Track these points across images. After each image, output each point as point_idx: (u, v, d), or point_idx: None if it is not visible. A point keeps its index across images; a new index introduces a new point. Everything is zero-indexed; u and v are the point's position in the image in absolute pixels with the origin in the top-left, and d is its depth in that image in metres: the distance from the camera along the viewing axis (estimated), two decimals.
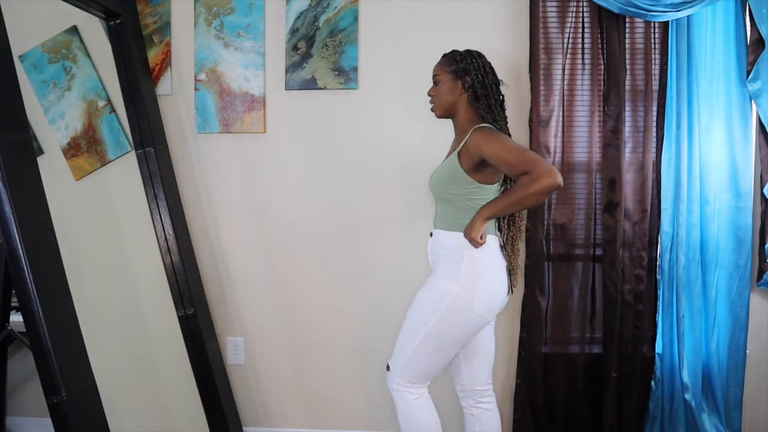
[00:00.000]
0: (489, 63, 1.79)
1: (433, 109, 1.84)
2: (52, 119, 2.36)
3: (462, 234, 1.68)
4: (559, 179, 1.51)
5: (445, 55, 1.82)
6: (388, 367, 1.79)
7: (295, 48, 2.26)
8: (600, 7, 2.10)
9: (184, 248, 2.21)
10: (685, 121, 2.10)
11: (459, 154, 1.70)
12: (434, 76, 1.82)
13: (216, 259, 2.35)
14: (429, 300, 1.71)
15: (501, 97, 1.80)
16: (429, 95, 1.84)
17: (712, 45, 2.12)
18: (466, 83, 1.76)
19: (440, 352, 1.72)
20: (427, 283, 1.77)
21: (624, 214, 2.13)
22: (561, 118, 2.17)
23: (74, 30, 2.32)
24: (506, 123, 1.80)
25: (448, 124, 1.91)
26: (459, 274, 1.67)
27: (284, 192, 2.32)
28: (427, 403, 1.77)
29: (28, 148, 1.47)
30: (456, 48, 1.84)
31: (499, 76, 1.84)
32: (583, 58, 2.16)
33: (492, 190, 1.73)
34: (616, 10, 2.06)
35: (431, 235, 1.83)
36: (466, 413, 1.89)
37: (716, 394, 2.15)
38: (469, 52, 1.79)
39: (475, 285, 1.67)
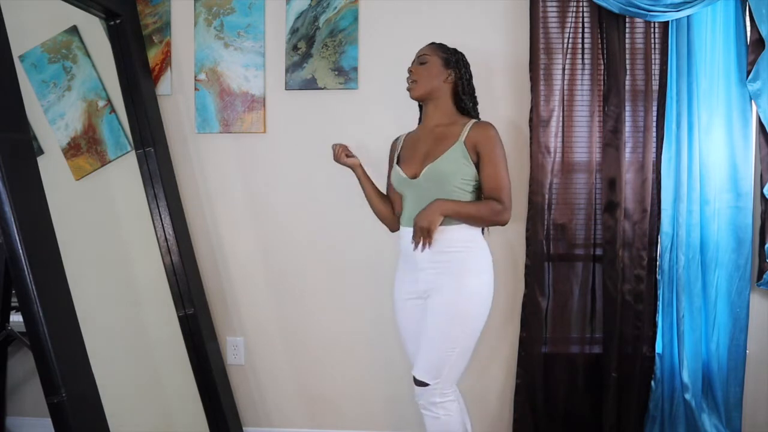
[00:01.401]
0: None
1: (411, 88, 1.79)
2: (52, 119, 2.36)
3: (465, 225, 1.68)
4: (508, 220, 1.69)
5: (435, 42, 1.84)
6: (422, 384, 1.66)
7: (295, 48, 2.26)
8: (600, 7, 2.10)
9: (184, 248, 2.21)
10: (685, 121, 2.10)
11: (465, 144, 1.70)
12: (422, 55, 1.79)
13: (216, 259, 2.35)
14: (464, 304, 1.66)
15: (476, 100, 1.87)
16: (409, 71, 1.80)
17: (712, 45, 2.12)
18: (455, 74, 1.78)
19: (474, 346, 1.72)
20: (449, 287, 1.67)
21: (624, 214, 2.13)
22: (561, 118, 2.17)
23: (74, 30, 2.32)
24: None
25: None
26: (482, 265, 1.71)
27: (284, 192, 2.32)
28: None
29: (28, 148, 1.48)
30: (456, 48, 1.86)
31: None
32: (583, 58, 2.15)
33: None
34: (616, 10, 2.06)
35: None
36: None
37: (716, 394, 2.15)
38: (456, 50, 1.83)
39: (492, 272, 1.74)
